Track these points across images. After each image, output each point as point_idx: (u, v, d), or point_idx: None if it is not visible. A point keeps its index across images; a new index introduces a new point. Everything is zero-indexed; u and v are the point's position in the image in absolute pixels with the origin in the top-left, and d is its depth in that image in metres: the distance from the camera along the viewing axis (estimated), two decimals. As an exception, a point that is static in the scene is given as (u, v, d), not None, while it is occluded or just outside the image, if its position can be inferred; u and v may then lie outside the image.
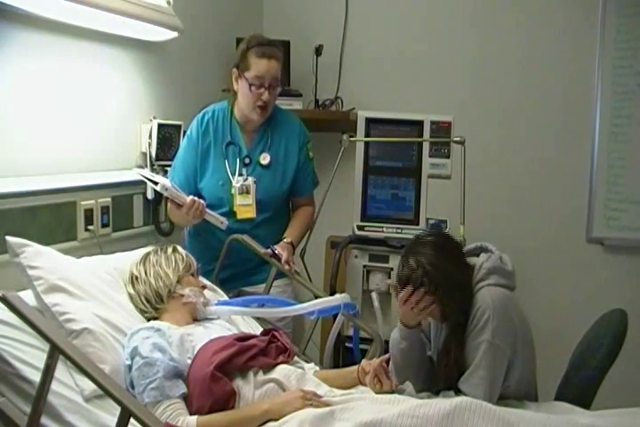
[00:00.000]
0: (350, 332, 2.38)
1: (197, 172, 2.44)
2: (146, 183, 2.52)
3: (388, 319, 2.70)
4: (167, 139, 2.58)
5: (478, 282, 1.89)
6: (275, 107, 2.49)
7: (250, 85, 2.34)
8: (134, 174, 2.51)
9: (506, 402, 1.84)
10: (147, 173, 2.31)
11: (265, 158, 2.45)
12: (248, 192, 2.40)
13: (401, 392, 1.90)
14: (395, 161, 2.80)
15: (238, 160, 2.43)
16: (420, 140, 2.73)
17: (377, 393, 1.81)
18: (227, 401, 1.68)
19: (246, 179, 2.41)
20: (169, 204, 2.38)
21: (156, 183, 2.26)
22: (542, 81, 3.24)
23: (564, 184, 3.24)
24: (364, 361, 1.93)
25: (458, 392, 1.86)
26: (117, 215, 2.40)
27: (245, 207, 2.40)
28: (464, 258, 1.94)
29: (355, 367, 1.91)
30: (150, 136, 2.55)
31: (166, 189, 2.25)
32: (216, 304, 2.06)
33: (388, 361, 1.92)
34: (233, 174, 2.41)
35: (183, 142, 2.49)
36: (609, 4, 3.10)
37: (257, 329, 2.18)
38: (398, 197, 2.79)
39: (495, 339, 1.81)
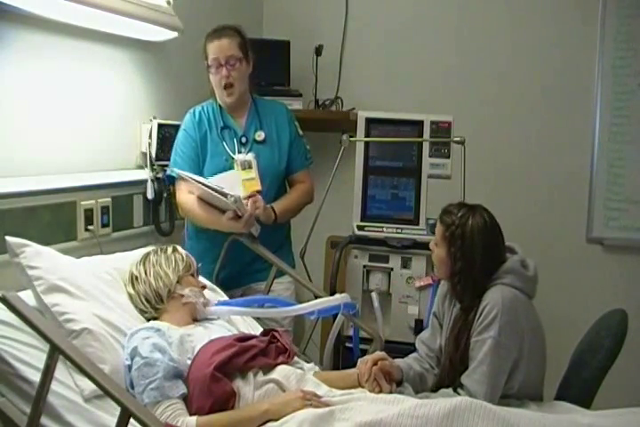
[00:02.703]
0: (350, 332, 2.38)
1: (200, 160, 2.46)
2: (146, 183, 2.54)
3: (388, 319, 2.70)
4: (167, 139, 2.58)
5: (494, 280, 1.90)
6: (256, 96, 2.58)
7: (210, 68, 2.42)
8: (135, 174, 2.52)
9: (507, 401, 1.84)
10: (212, 183, 2.28)
11: (260, 135, 2.51)
12: (250, 167, 2.43)
13: (401, 392, 1.90)
14: (395, 161, 2.80)
15: (235, 140, 2.48)
16: (420, 140, 2.73)
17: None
18: (226, 402, 1.67)
19: (247, 154, 2.45)
20: (206, 211, 2.35)
21: (225, 195, 2.24)
22: (542, 81, 3.24)
23: (563, 184, 3.24)
24: (360, 360, 1.92)
25: (458, 388, 1.87)
26: (117, 215, 2.40)
27: (250, 181, 2.41)
28: (501, 246, 1.97)
29: (355, 370, 1.91)
30: (150, 136, 2.56)
31: (236, 202, 2.24)
32: (216, 304, 2.06)
33: (383, 359, 1.91)
34: (233, 153, 2.46)
35: (179, 138, 2.50)
36: (609, 4, 3.11)
37: (257, 329, 2.18)
38: (398, 197, 2.79)
39: (501, 337, 1.82)
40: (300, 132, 2.61)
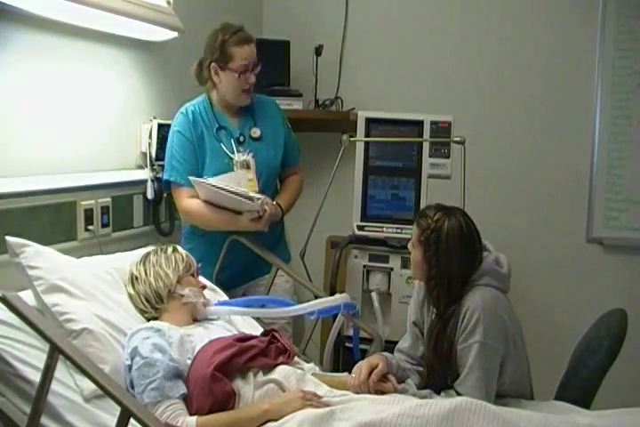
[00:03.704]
0: (350, 332, 2.38)
1: (198, 163, 2.44)
2: (146, 183, 2.54)
3: (388, 319, 2.71)
4: (167, 139, 2.57)
5: (471, 282, 1.90)
6: None
7: (239, 74, 2.38)
8: (135, 174, 2.52)
9: (504, 401, 1.84)
10: (238, 188, 2.27)
11: (255, 132, 2.51)
12: (249, 167, 2.43)
13: (403, 392, 1.90)
14: (395, 161, 2.80)
15: (232, 141, 2.47)
16: (420, 140, 2.73)
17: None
18: (226, 402, 1.68)
19: (245, 155, 2.44)
20: (221, 213, 2.34)
21: (251, 198, 2.25)
22: (542, 81, 3.24)
23: (564, 184, 3.24)
24: (354, 369, 1.91)
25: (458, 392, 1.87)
26: (117, 215, 2.40)
27: (248, 182, 2.41)
28: (478, 251, 1.94)
29: (346, 379, 1.91)
30: (150, 136, 2.56)
31: (262, 203, 2.27)
32: (216, 304, 2.06)
33: (375, 367, 1.90)
34: (232, 153, 2.44)
35: (174, 141, 2.44)
36: (609, 4, 3.10)
37: (257, 329, 2.18)
38: (398, 197, 2.79)
39: (487, 339, 1.81)
40: (290, 126, 2.62)
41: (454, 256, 1.88)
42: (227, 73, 2.40)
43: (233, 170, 2.42)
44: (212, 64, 2.40)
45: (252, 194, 2.28)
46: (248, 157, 2.44)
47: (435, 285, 1.90)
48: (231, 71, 2.39)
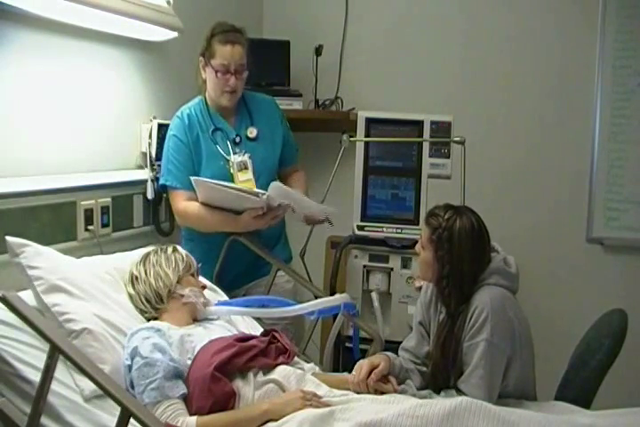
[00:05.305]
0: (350, 332, 2.38)
1: (195, 167, 2.44)
2: (146, 183, 2.54)
3: (388, 319, 2.71)
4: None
5: (480, 281, 1.90)
6: (244, 91, 2.53)
7: (216, 72, 2.38)
8: (135, 174, 2.52)
9: (505, 401, 1.84)
10: (244, 187, 2.26)
11: (252, 132, 2.50)
12: (246, 168, 2.42)
13: (403, 393, 1.90)
14: (395, 161, 2.80)
15: (228, 142, 2.46)
16: (420, 140, 2.73)
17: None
18: (226, 402, 1.67)
19: (242, 155, 2.43)
20: (219, 214, 2.33)
21: (256, 194, 2.23)
22: (542, 81, 3.24)
23: (563, 184, 3.24)
24: (356, 367, 1.92)
25: (459, 391, 1.86)
26: (117, 215, 2.40)
27: (246, 183, 2.41)
28: (487, 249, 1.95)
29: (346, 377, 1.92)
30: (150, 136, 2.56)
31: (268, 198, 2.24)
32: (216, 304, 2.06)
33: (376, 366, 1.90)
34: (228, 154, 2.43)
35: (170, 145, 2.44)
36: (609, 4, 3.10)
37: (257, 329, 2.18)
38: (398, 197, 2.79)
39: (494, 338, 1.81)
40: (288, 126, 2.61)
41: (466, 254, 1.89)
42: (209, 69, 2.40)
43: (230, 172, 2.41)
44: (200, 57, 2.42)
45: (256, 190, 2.27)
46: (245, 158, 2.42)
47: (447, 284, 1.90)
48: (211, 68, 2.39)
